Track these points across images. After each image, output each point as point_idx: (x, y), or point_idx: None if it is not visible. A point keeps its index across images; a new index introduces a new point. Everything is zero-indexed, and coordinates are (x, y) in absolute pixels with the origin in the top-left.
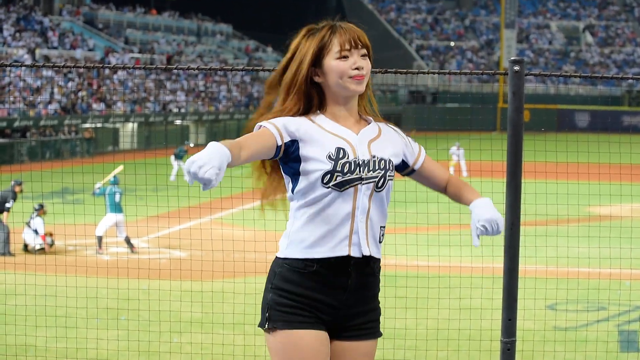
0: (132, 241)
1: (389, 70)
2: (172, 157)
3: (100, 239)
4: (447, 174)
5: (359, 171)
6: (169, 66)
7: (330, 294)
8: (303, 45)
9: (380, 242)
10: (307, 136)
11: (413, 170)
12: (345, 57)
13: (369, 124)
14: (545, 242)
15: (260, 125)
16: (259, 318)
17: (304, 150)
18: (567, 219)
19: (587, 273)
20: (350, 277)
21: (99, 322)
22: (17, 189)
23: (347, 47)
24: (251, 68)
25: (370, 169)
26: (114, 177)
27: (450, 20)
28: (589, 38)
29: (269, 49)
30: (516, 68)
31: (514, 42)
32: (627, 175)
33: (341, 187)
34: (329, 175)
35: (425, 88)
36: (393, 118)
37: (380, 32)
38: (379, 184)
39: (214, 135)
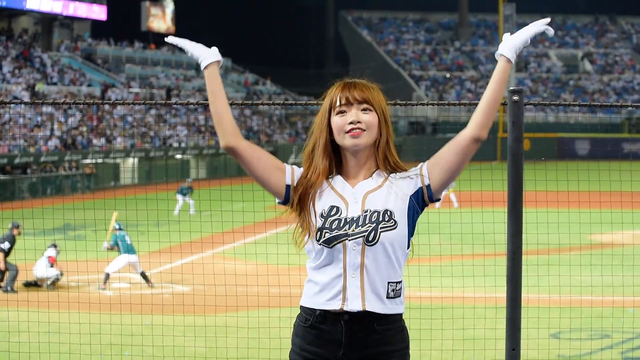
0: (134, 276)
1: (388, 101)
2: (177, 194)
3: (107, 276)
4: (462, 133)
5: (347, 227)
6: (169, 101)
7: (327, 347)
8: (323, 105)
9: (390, 297)
10: (316, 196)
11: (429, 187)
12: (343, 112)
13: (376, 175)
14: (547, 271)
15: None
16: (262, 352)
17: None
18: (569, 247)
19: (590, 301)
20: (343, 331)
21: (103, 358)
22: (15, 232)
23: (344, 102)
24: (250, 102)
25: (360, 224)
26: (117, 222)
27: (448, 51)
28: (587, 66)
29: (268, 82)
30: (515, 98)
31: (513, 71)
32: (628, 202)
33: (329, 243)
34: (319, 233)
35: (425, 119)
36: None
37: (379, 64)
38: (369, 238)
39: (215, 169)
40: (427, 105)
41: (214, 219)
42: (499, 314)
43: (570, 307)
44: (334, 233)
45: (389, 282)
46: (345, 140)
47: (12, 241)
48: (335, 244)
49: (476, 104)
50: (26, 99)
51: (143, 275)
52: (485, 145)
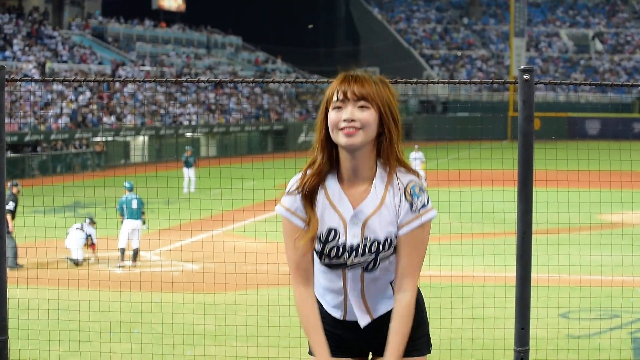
0: (144, 254)
1: (398, 80)
2: (184, 168)
3: (122, 251)
4: (403, 280)
5: (346, 257)
6: (180, 79)
7: (346, 331)
8: (324, 97)
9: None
10: (316, 207)
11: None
12: (339, 107)
13: (376, 186)
14: (557, 251)
15: (281, 212)
16: (272, 330)
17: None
18: (578, 226)
19: (600, 281)
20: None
21: (112, 336)
22: (14, 190)
23: (341, 97)
24: (261, 80)
25: (359, 253)
26: (129, 183)
27: (459, 30)
28: (598, 45)
29: (279, 61)
30: (526, 77)
31: (524, 51)
32: (638, 182)
33: (329, 267)
34: (318, 255)
35: (436, 98)
36: (404, 128)
37: (390, 42)
38: (369, 267)
39: (225, 147)
40: (437, 83)
41: (224, 197)
42: (508, 293)
43: (580, 286)
44: (333, 262)
45: (391, 282)
46: (339, 138)
47: (15, 200)
48: (334, 269)
49: (487, 83)
50: (36, 77)
51: (135, 252)
52: (496, 124)
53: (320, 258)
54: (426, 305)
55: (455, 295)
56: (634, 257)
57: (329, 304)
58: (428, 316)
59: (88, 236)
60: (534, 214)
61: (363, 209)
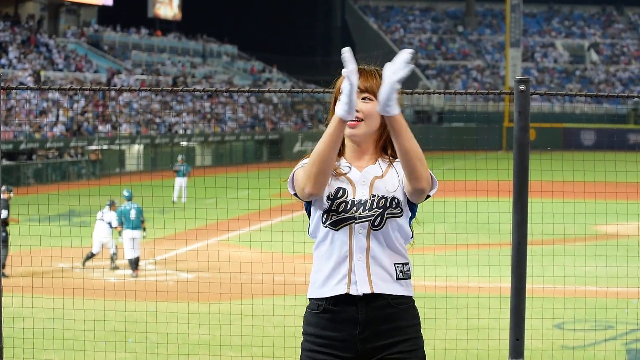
0: (141, 263)
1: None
2: (176, 178)
3: (131, 261)
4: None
5: (354, 210)
6: (175, 88)
7: (343, 329)
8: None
9: (400, 278)
10: None
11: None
12: None
13: (381, 162)
14: (552, 262)
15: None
16: (266, 340)
17: None
18: (573, 237)
19: (595, 292)
20: (359, 310)
21: (107, 345)
22: (5, 195)
23: None
24: (257, 90)
25: (367, 208)
26: (128, 192)
27: (455, 40)
28: (594, 56)
29: (274, 70)
30: (522, 87)
31: (519, 61)
32: (633, 193)
33: (336, 225)
34: (326, 215)
35: (431, 108)
36: None
37: (386, 52)
38: (376, 223)
39: (220, 156)
40: (433, 94)
41: (219, 206)
42: (503, 304)
43: (575, 297)
44: (341, 216)
45: (395, 264)
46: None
47: (7, 207)
48: (341, 227)
49: (482, 93)
50: (32, 84)
51: (135, 261)
52: (491, 134)
53: (327, 217)
54: (421, 316)
55: (450, 306)
56: (629, 268)
57: (333, 283)
58: (423, 327)
59: (109, 223)
60: (529, 225)
61: (369, 171)
